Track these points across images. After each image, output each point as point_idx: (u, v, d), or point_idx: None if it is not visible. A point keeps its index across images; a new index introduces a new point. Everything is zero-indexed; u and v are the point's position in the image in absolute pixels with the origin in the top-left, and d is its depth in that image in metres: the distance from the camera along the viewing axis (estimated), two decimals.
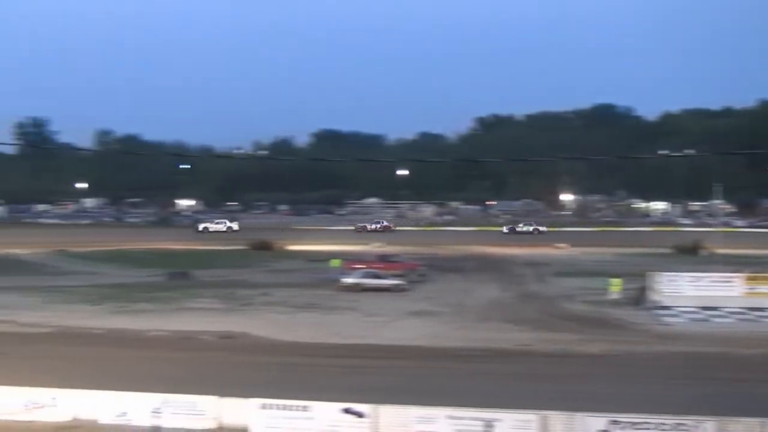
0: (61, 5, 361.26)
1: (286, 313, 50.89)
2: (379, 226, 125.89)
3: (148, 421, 24.21)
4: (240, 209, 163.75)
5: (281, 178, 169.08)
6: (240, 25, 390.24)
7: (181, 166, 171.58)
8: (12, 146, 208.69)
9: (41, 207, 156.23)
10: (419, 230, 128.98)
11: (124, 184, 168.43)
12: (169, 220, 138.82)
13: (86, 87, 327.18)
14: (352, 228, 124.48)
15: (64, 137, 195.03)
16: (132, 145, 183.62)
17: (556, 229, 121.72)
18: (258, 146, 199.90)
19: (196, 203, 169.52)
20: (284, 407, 25.93)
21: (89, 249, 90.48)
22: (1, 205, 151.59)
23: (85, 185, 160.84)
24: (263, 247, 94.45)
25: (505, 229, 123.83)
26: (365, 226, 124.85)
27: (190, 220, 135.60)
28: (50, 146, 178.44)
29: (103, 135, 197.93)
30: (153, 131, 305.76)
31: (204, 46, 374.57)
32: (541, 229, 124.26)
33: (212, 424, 26.31)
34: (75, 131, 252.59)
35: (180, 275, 68.16)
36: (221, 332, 43.80)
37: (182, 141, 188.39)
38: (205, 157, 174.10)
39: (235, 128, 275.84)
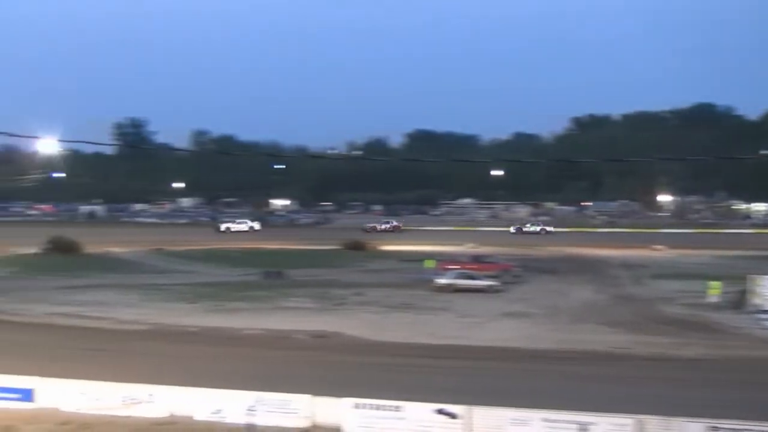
0: (159, 6, 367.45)
1: (379, 313, 50.90)
2: (388, 226, 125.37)
3: (242, 419, 24.32)
4: (334, 209, 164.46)
5: (375, 178, 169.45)
6: (336, 26, 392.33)
7: (275, 166, 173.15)
8: (111, 147, 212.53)
9: (139, 206, 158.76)
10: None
11: (219, 183, 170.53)
12: (263, 220, 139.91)
13: (184, 88, 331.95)
14: (450, 228, 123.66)
15: (161, 138, 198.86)
16: (227, 145, 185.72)
17: (654, 230, 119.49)
18: (352, 146, 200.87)
19: (291, 203, 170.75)
20: (377, 407, 25.87)
21: (185, 248, 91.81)
22: (100, 204, 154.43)
23: (181, 185, 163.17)
24: (356, 247, 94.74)
25: (512, 230, 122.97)
26: (375, 227, 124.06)
27: (285, 220, 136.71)
28: (148, 146, 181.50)
29: (200, 135, 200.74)
30: (248, 131, 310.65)
31: (300, 48, 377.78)
32: (549, 229, 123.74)
33: (305, 423, 26.37)
34: (172, 132, 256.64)
35: (275, 274, 68.65)
36: (315, 331, 43.94)
37: (277, 141, 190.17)
38: (299, 157, 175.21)
39: (329, 128, 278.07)
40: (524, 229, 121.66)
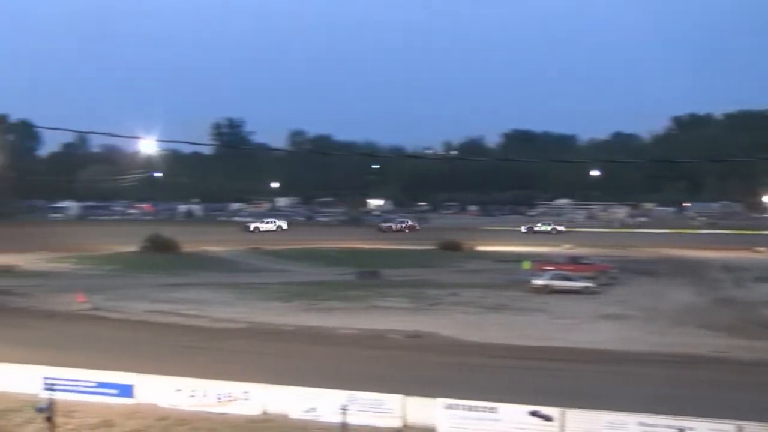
0: (257, 7, 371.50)
1: (474, 313, 50.66)
2: (404, 225, 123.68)
3: (336, 418, 24.36)
4: (429, 209, 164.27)
5: (471, 178, 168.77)
6: (434, 24, 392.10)
7: (372, 166, 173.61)
8: (209, 147, 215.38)
9: (236, 206, 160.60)
10: (611, 232, 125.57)
11: (315, 183, 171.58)
12: (359, 220, 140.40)
13: (281, 89, 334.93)
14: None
15: (258, 138, 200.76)
16: (324, 145, 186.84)
17: (756, 232, 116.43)
18: (448, 146, 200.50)
19: (386, 203, 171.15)
20: (471, 408, 25.72)
21: (281, 247, 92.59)
22: (197, 203, 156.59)
23: (278, 184, 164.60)
24: (452, 247, 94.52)
25: (523, 229, 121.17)
26: (390, 226, 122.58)
27: (379, 220, 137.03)
28: (245, 147, 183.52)
29: (296, 135, 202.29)
30: (344, 131, 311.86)
31: (397, 47, 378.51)
32: (560, 228, 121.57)
33: (398, 423, 26.34)
34: (269, 132, 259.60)
35: (370, 274, 68.81)
36: (409, 331, 43.88)
37: (373, 141, 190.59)
38: (395, 157, 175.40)
39: (425, 128, 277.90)
40: (535, 229, 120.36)
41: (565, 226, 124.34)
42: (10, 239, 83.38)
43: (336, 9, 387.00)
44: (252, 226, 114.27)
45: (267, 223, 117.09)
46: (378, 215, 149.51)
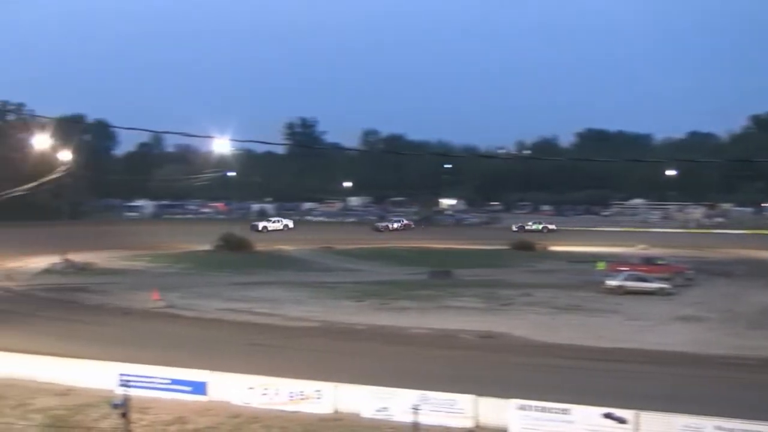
0: (331, 7, 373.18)
1: (547, 314, 50.30)
2: (400, 224, 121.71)
3: (408, 417, 24.28)
4: (502, 209, 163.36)
5: (544, 178, 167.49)
6: (507, 25, 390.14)
7: (444, 166, 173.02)
8: (282, 146, 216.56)
9: (308, 205, 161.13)
10: (687, 232, 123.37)
11: (388, 183, 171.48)
12: (431, 219, 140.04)
13: (355, 88, 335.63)
14: (620, 229, 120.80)
15: (331, 137, 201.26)
16: (396, 145, 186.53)
17: None
18: (521, 146, 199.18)
19: (458, 202, 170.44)
20: (543, 409, 25.52)
21: (353, 246, 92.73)
22: (270, 203, 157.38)
23: (350, 184, 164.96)
24: (524, 247, 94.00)
25: (514, 227, 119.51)
26: (387, 226, 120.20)
27: (453, 220, 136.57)
28: (318, 146, 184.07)
29: (369, 135, 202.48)
30: (417, 131, 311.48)
31: (469, 47, 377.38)
32: (551, 227, 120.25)
33: (470, 423, 26.22)
34: (342, 131, 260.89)
35: (442, 274, 68.66)
36: (481, 331, 43.70)
37: (446, 141, 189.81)
38: (468, 156, 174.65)
39: (498, 128, 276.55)
40: (526, 228, 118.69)
41: (639, 227, 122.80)
42: (87, 238, 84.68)
43: (405, 8, 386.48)
44: (260, 226, 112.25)
45: (274, 222, 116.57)
46: (450, 215, 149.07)
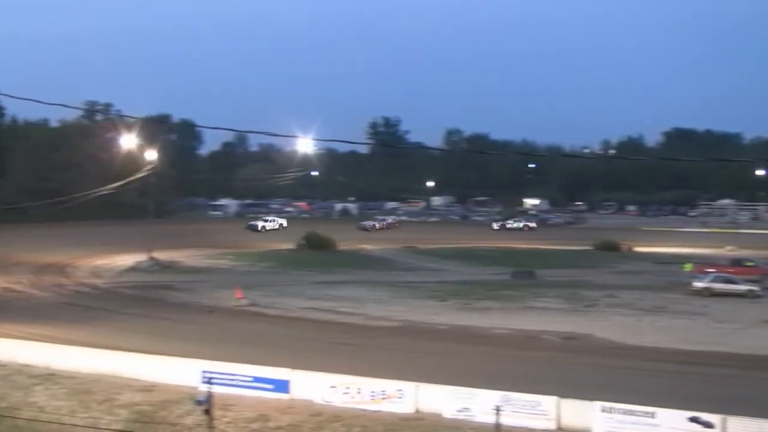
0: (418, 8, 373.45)
1: (631, 315, 49.57)
2: (385, 223, 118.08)
3: (489, 418, 24.11)
4: (586, 209, 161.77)
5: (630, 178, 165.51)
6: (590, 20, 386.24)
7: (528, 165, 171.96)
8: (365, 146, 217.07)
9: (391, 204, 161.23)
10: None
11: (471, 182, 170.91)
12: (544, 220, 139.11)
13: (437, 87, 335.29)
14: (700, 230, 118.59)
15: (414, 137, 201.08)
16: (480, 144, 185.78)
17: None
18: (606, 145, 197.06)
19: (542, 202, 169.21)
20: (628, 412, 25.18)
21: (436, 246, 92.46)
22: (353, 202, 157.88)
23: (433, 183, 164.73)
24: (609, 247, 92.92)
25: (495, 226, 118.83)
26: (374, 225, 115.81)
27: (536, 220, 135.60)
28: (401, 145, 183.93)
29: (452, 134, 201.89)
30: (501, 131, 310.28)
31: (554, 44, 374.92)
32: (531, 225, 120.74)
33: (552, 425, 25.99)
34: (425, 131, 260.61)
35: (525, 274, 68.14)
36: (564, 333, 43.31)
37: (530, 140, 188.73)
38: (552, 156, 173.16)
39: (583, 127, 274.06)
40: (507, 226, 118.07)
41: (727, 228, 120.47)
42: (172, 236, 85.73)
43: (493, 9, 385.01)
44: (260, 226, 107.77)
45: (270, 222, 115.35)
46: (534, 214, 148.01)
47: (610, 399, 25.72)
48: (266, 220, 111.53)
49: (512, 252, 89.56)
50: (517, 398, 26.43)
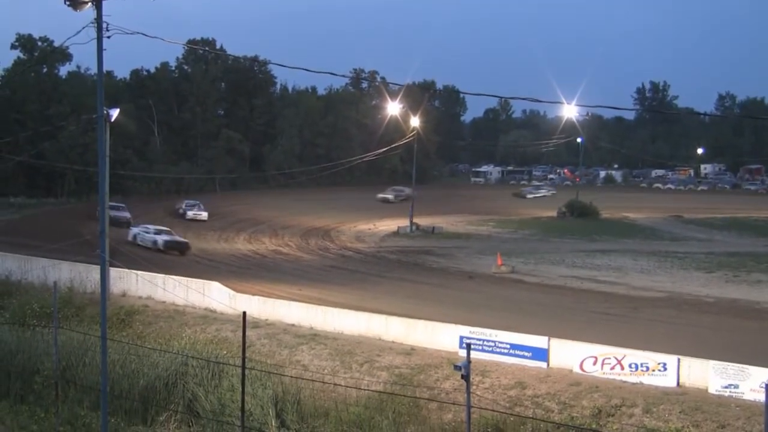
0: None
1: None
2: (402, 196, 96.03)
3: (758, 396, 22.78)
4: None
5: None
6: None
7: None
8: (632, 112, 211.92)
9: (658, 172, 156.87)
10: None
11: (744, 149, 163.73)
12: None
13: (710, 51, 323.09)
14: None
15: (683, 102, 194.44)
16: (755, 109, 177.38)
17: None
18: None
19: None
20: None
21: (704, 216, 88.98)
22: (617, 169, 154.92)
23: (703, 150, 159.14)
24: None
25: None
26: (387, 198, 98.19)
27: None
28: (668, 111, 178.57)
29: (725, 99, 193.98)
30: None
31: None
32: (553, 192, 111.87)
33: None
34: (696, 96, 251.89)
35: None
36: None
37: None
38: None
39: None
40: (529, 196, 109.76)
41: None
42: (435, 201, 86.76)
43: None
44: (190, 214, 77.76)
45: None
46: None
47: None
48: (190, 207, 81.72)
49: None
50: None
